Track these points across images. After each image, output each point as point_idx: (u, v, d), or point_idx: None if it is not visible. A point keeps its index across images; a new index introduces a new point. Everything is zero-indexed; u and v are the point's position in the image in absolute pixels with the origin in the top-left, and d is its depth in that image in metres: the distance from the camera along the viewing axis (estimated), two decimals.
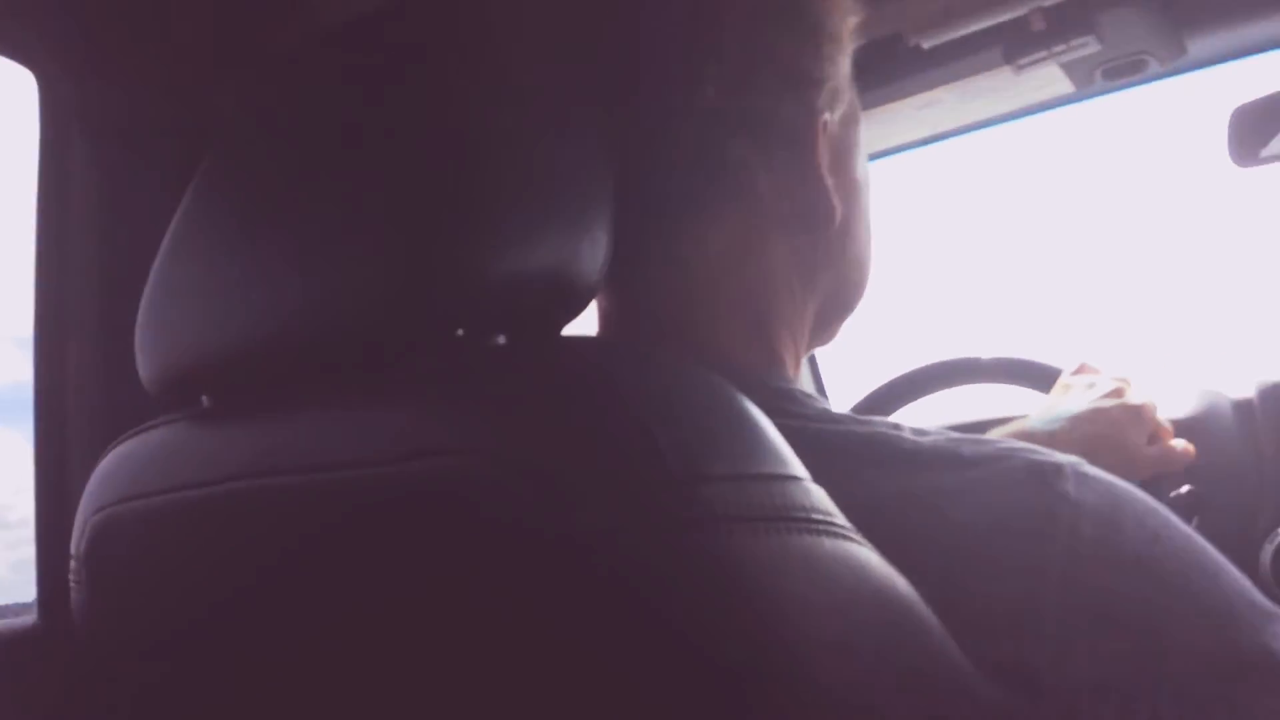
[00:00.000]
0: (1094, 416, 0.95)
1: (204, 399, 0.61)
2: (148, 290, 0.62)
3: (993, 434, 0.93)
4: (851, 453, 0.55)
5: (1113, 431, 0.94)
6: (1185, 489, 1.05)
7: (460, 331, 0.50)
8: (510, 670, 0.44)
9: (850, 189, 0.68)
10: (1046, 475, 0.53)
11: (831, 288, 0.69)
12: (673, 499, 0.40)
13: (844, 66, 0.67)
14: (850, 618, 0.43)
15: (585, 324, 0.59)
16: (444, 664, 0.47)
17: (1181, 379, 1.29)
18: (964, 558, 0.50)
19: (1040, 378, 1.11)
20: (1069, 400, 0.98)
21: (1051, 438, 0.95)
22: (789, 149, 0.63)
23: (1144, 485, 0.98)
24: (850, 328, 0.75)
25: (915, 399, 1.21)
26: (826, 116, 0.65)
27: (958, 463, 0.54)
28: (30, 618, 0.99)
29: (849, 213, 0.67)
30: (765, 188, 0.63)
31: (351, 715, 0.52)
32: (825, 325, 0.71)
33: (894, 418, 1.19)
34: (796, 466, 0.44)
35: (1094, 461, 0.92)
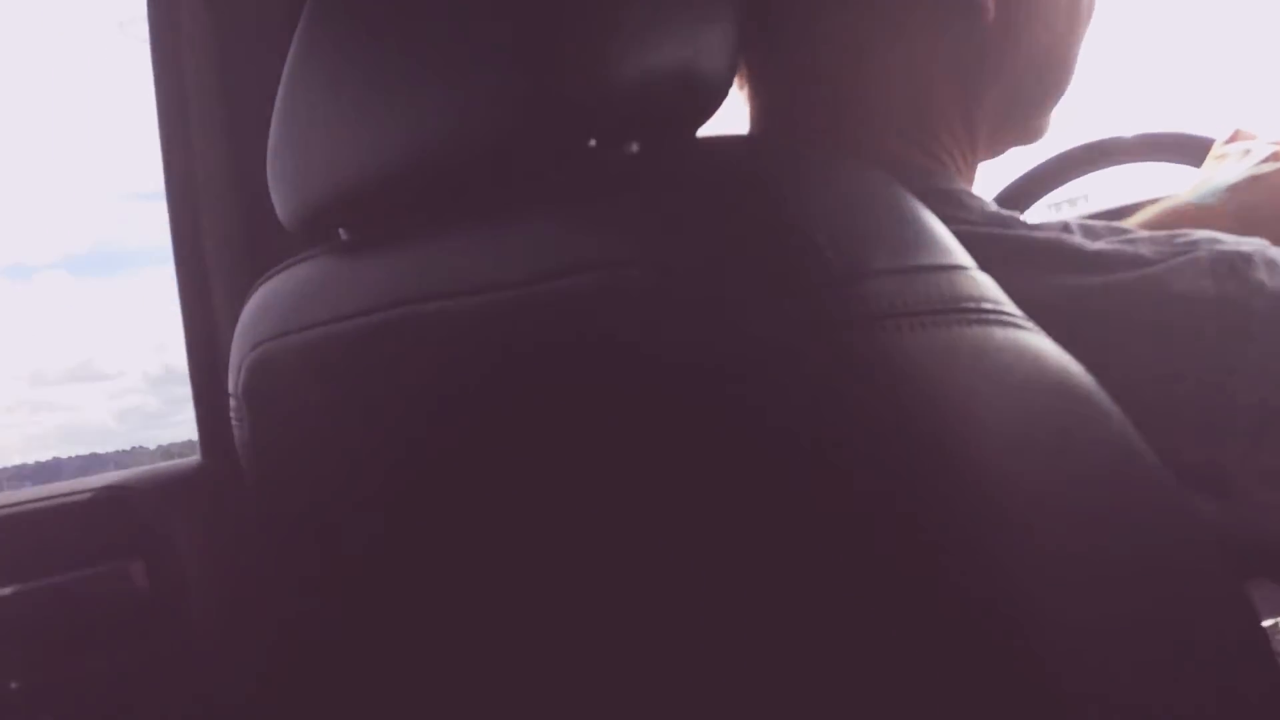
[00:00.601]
0: (1251, 185, 0.89)
1: (341, 232, 0.61)
2: (275, 124, 0.61)
3: (1144, 214, 0.89)
4: (1025, 258, 0.52)
5: (1274, 199, 0.89)
6: None
7: (593, 141, 0.48)
8: (679, 486, 0.43)
9: None
10: (1236, 265, 0.50)
11: (1008, 87, 0.62)
12: (836, 297, 0.39)
13: None
14: (1027, 407, 0.41)
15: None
16: (610, 487, 0.46)
17: None
18: (1152, 360, 0.49)
19: (1191, 150, 1.05)
20: (1223, 170, 0.93)
21: (1208, 212, 0.90)
22: None
23: None
24: (1062, 122, 0.68)
25: (1060, 184, 1.16)
26: None
27: (1140, 262, 0.51)
28: (195, 458, 1.03)
29: (1018, 3, 0.60)
30: None
31: (514, 545, 0.52)
32: (1009, 126, 0.65)
33: (1041, 205, 1.15)
34: (962, 255, 0.42)
35: (1256, 233, 0.87)
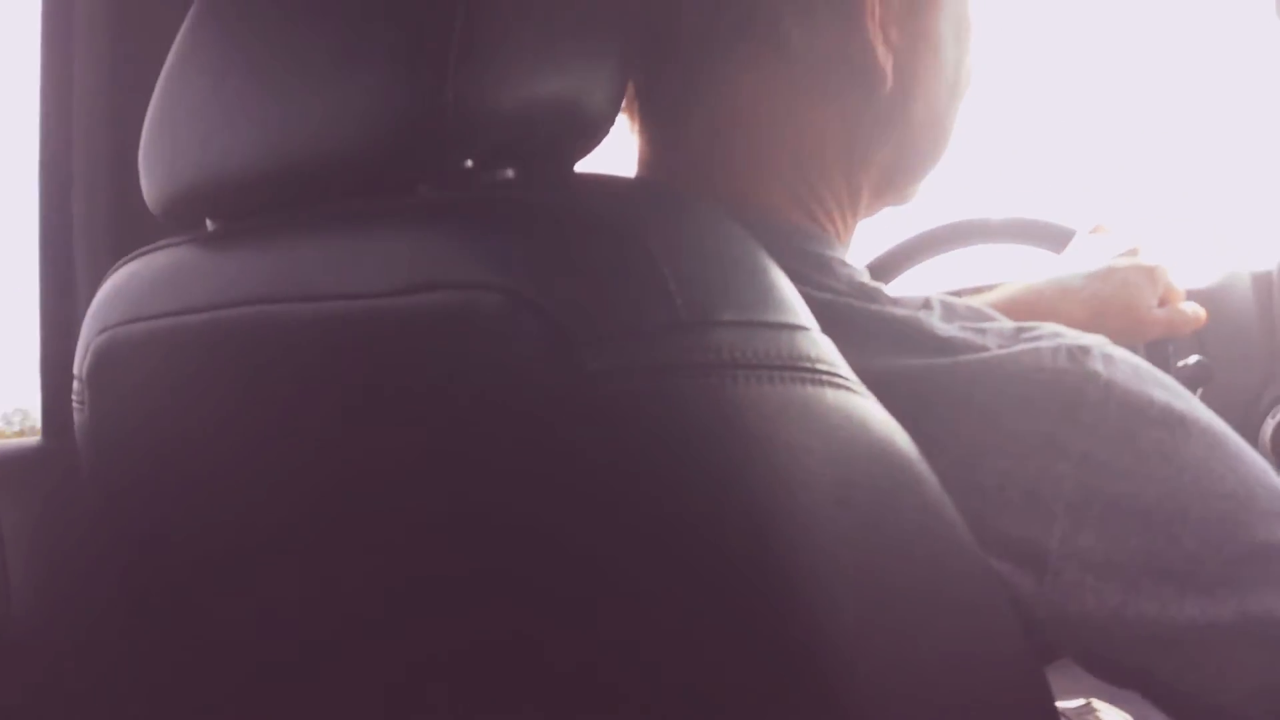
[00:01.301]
0: (1107, 275, 0.94)
1: (208, 223, 0.60)
2: (151, 110, 0.60)
3: (1003, 290, 0.93)
4: (879, 335, 0.54)
5: (1124, 292, 0.93)
6: (1194, 359, 1.04)
7: (469, 163, 0.49)
8: (507, 500, 0.44)
9: (923, 42, 0.62)
10: (1074, 354, 0.52)
11: (893, 153, 0.64)
12: (681, 342, 0.40)
13: None
14: (849, 469, 0.43)
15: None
16: (445, 498, 0.47)
17: (1202, 248, 1.28)
18: (986, 435, 0.50)
19: (1053, 238, 1.09)
20: (1081, 259, 0.98)
21: (1063, 295, 0.94)
22: (830, 1, 0.59)
23: (1149, 352, 0.99)
24: (932, 189, 0.70)
25: (924, 260, 1.20)
26: None
27: (985, 348, 0.53)
28: (36, 439, 1.00)
29: (915, 70, 0.62)
30: (799, 41, 0.59)
31: (348, 547, 0.52)
32: (889, 190, 0.67)
33: (900, 280, 1.18)
34: (805, 317, 0.44)
35: (1103, 322, 0.92)
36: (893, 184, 0.66)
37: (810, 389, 0.42)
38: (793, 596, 0.41)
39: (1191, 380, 1.03)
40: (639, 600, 0.42)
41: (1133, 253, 0.94)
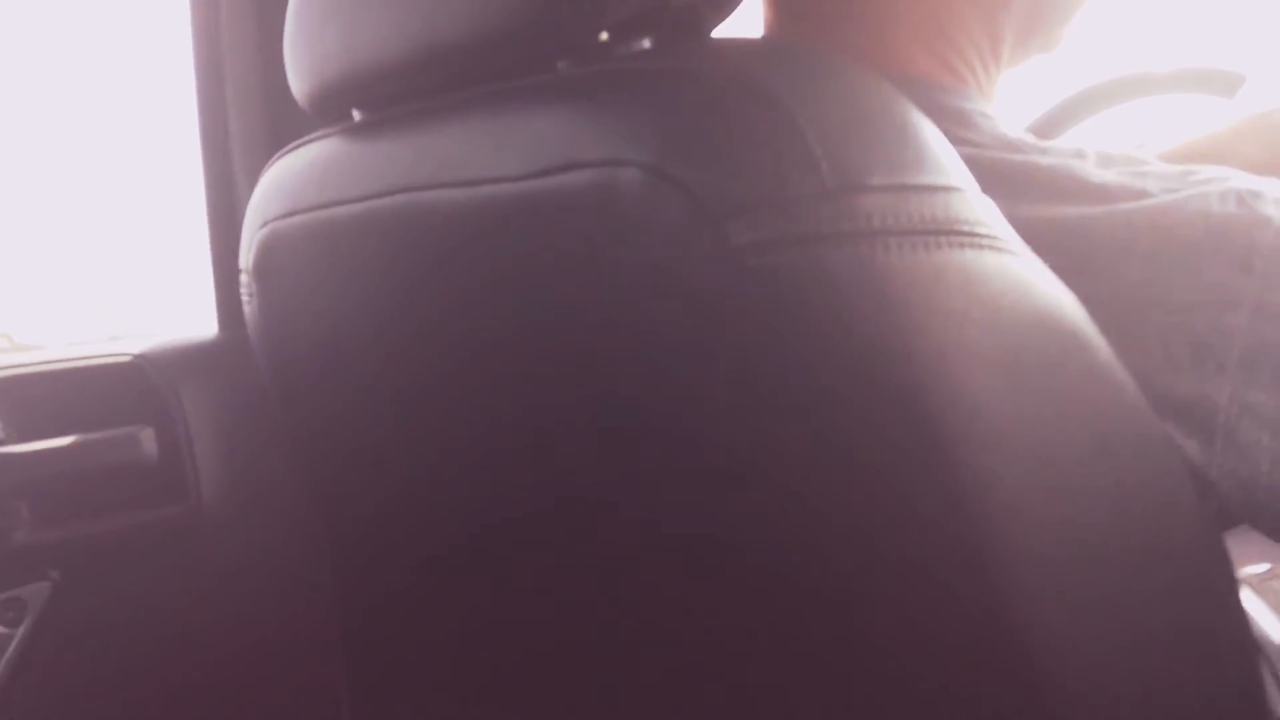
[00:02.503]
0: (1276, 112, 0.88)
1: (354, 113, 0.61)
2: (292, 5, 0.61)
3: (1173, 143, 0.88)
4: (1032, 184, 0.51)
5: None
6: None
7: (604, 35, 0.48)
8: (658, 381, 0.44)
9: None
10: (1244, 199, 0.48)
11: None
12: (828, 211, 0.38)
13: None
14: (1013, 337, 0.41)
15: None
16: (596, 378, 0.47)
17: None
18: (1150, 289, 0.48)
19: (1224, 84, 1.02)
20: (1257, 102, 0.91)
21: (1238, 135, 0.89)
22: None
23: None
24: (1081, 34, 0.65)
25: (1087, 117, 1.13)
26: None
27: (1146, 194, 0.50)
28: (213, 330, 1.05)
29: None
30: None
31: (506, 430, 0.53)
32: (1033, 35, 0.63)
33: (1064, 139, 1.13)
34: (960, 176, 0.42)
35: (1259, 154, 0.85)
36: (1036, 28, 0.62)
37: (969, 253, 0.40)
38: (957, 472, 0.39)
39: None
40: (793, 480, 0.41)
41: None
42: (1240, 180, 0.49)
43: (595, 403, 0.47)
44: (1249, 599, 0.89)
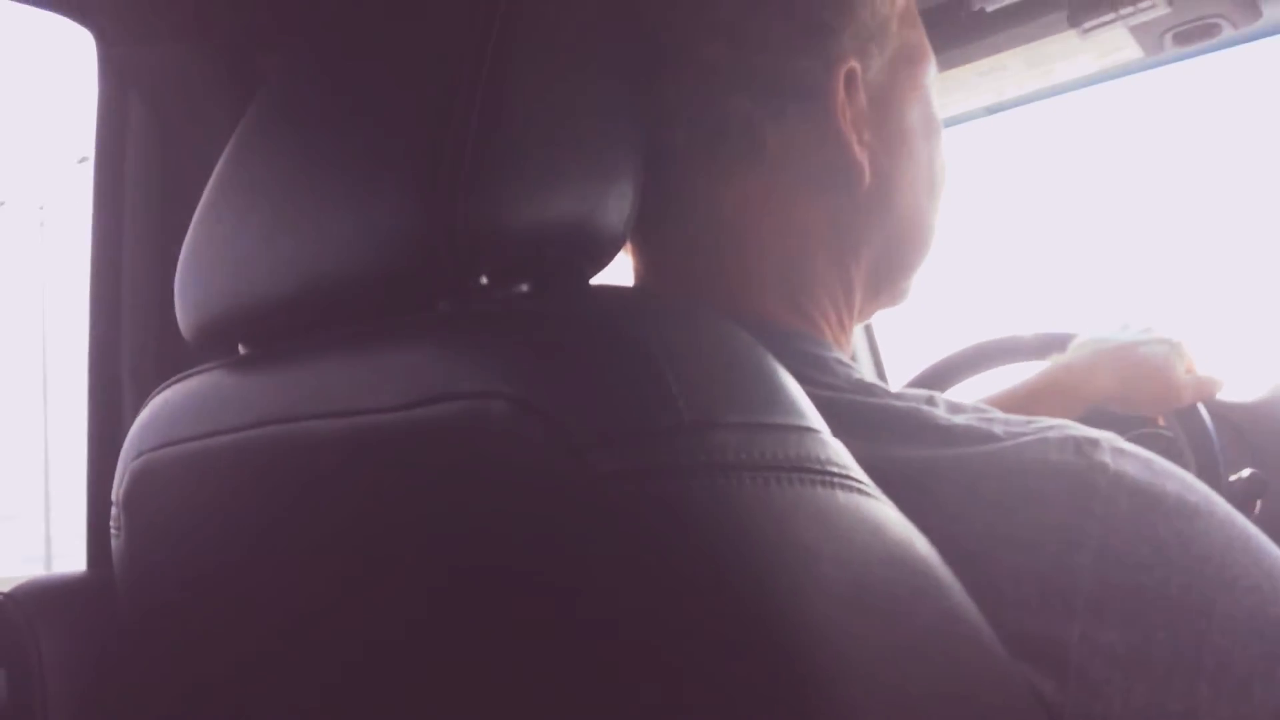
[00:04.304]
0: (1132, 347, 0.96)
1: (240, 348, 0.62)
2: (187, 242, 0.63)
3: (1027, 381, 0.94)
4: (885, 426, 0.53)
5: (1152, 361, 0.96)
6: (1247, 473, 1.02)
7: (484, 279, 0.50)
8: (520, 604, 0.44)
9: (896, 140, 0.63)
10: (1083, 447, 0.51)
11: (881, 249, 0.64)
12: (685, 444, 0.40)
13: (883, 6, 0.63)
14: (863, 574, 0.42)
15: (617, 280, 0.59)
16: (459, 599, 0.47)
17: (1249, 366, 1.27)
18: (996, 529, 0.49)
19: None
20: (1106, 340, 0.99)
21: (1092, 369, 0.95)
22: (802, 104, 0.60)
23: (1197, 458, 0.97)
24: (921, 287, 0.70)
25: (960, 381, 1.20)
26: (853, 65, 0.61)
27: (992, 438, 0.52)
28: (81, 569, 1.01)
29: (892, 166, 0.63)
30: (775, 146, 0.60)
31: (381, 654, 0.52)
32: (881, 288, 0.67)
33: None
34: (813, 418, 0.44)
35: (1136, 387, 0.93)
36: (884, 281, 0.67)
37: (821, 490, 0.42)
38: (808, 705, 0.39)
39: (1246, 493, 1.02)
40: (653, 707, 0.41)
41: (1148, 330, 0.96)
42: (1078, 430, 0.52)
43: (458, 619, 0.47)
44: None
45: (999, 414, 0.54)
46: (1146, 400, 0.95)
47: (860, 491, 0.43)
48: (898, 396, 0.55)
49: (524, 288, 0.51)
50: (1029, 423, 0.53)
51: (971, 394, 1.09)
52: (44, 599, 0.95)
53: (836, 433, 0.44)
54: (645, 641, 0.41)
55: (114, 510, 0.67)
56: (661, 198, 0.60)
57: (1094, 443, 0.51)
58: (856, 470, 0.44)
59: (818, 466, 0.42)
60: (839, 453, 0.43)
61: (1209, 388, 0.97)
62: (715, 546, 0.40)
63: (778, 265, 0.62)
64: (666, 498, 0.40)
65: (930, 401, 0.54)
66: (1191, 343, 0.96)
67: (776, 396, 0.43)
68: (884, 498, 0.44)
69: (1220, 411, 1.10)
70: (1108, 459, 0.50)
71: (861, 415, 0.54)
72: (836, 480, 0.42)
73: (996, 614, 0.47)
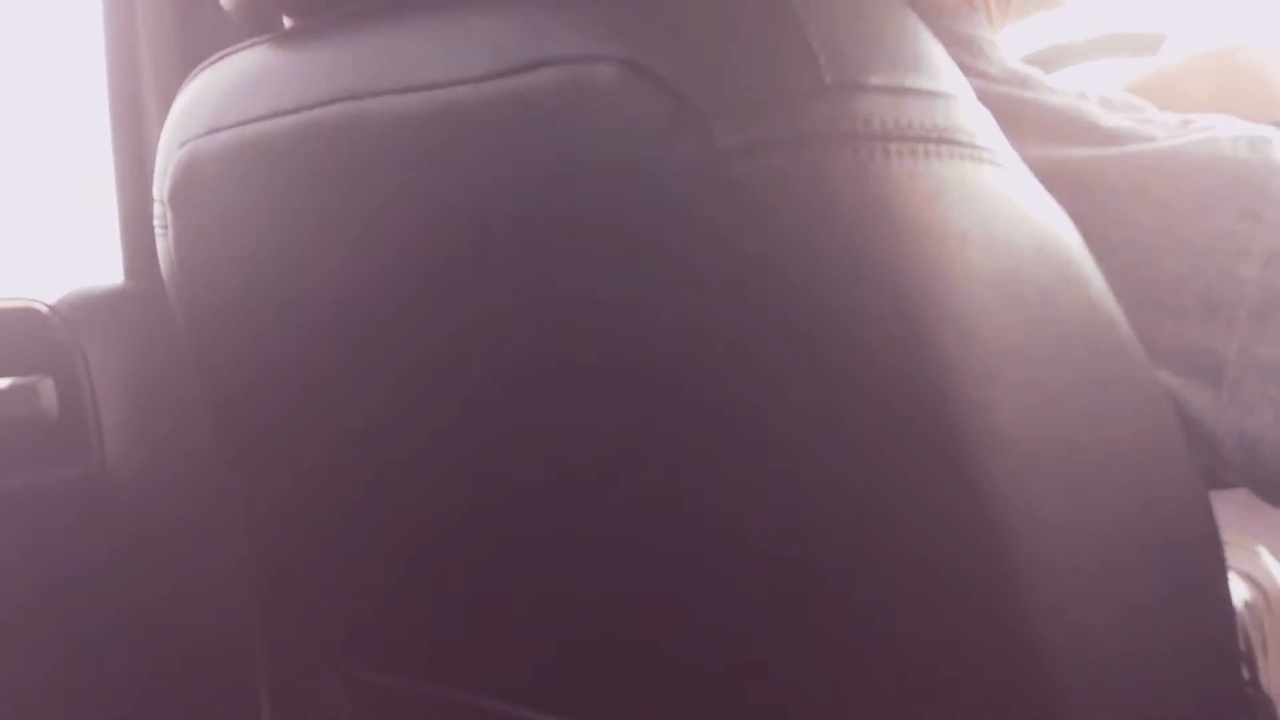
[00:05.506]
0: (1231, 53, 0.89)
1: (285, 20, 0.56)
2: None
3: (1125, 79, 0.88)
4: (1039, 123, 0.50)
5: (1251, 69, 0.88)
6: None
7: None
8: (635, 294, 0.40)
9: None
10: (1255, 145, 0.48)
11: None
12: (824, 110, 0.35)
13: None
14: (1012, 259, 0.38)
15: None
16: (570, 295, 0.43)
17: None
18: (1160, 232, 0.47)
19: (1144, 45, 1.05)
20: (1200, 44, 0.92)
21: (1187, 72, 0.90)
22: None
23: None
24: None
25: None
26: None
27: (1155, 139, 0.49)
28: (117, 279, 0.98)
29: None
30: None
31: (462, 360, 0.49)
32: None
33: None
34: (961, 85, 0.39)
35: (1233, 98, 0.87)
36: None
37: (969, 166, 0.38)
38: (947, 399, 0.37)
39: None
40: (779, 398, 0.38)
41: (1247, 36, 0.89)
42: (1248, 128, 0.49)
43: (570, 342, 0.43)
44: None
45: (1154, 113, 0.50)
46: (1245, 110, 0.90)
47: (1006, 168, 0.39)
48: (1053, 90, 0.51)
49: None
50: (1186, 123, 0.49)
51: None
52: (87, 309, 0.93)
53: None
54: (773, 332, 0.38)
55: (157, 207, 0.63)
56: None
57: (1267, 141, 0.48)
58: (1003, 145, 0.39)
59: (965, 138, 0.38)
60: (985, 124, 0.39)
61: None
62: (856, 226, 0.36)
63: None
64: (805, 171, 0.36)
65: (1083, 96, 0.50)
66: None
67: (922, 59, 0.38)
68: (1031, 177, 0.40)
69: None
70: None
71: (1016, 110, 0.49)
72: (984, 154, 0.38)
73: (1154, 325, 0.45)
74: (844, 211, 0.36)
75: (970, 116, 0.38)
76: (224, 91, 0.56)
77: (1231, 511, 0.55)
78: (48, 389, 0.90)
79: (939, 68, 0.38)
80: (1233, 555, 0.86)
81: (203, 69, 0.59)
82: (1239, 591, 0.61)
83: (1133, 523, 0.43)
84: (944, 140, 0.37)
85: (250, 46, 0.56)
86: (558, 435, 0.46)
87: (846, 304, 0.36)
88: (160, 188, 0.62)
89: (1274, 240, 0.46)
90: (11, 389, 0.89)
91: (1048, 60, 1.13)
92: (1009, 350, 0.38)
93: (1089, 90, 0.52)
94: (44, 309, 0.92)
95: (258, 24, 0.57)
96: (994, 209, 0.38)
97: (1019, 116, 0.49)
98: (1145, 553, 0.43)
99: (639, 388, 0.42)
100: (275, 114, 0.51)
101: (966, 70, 0.50)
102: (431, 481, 0.54)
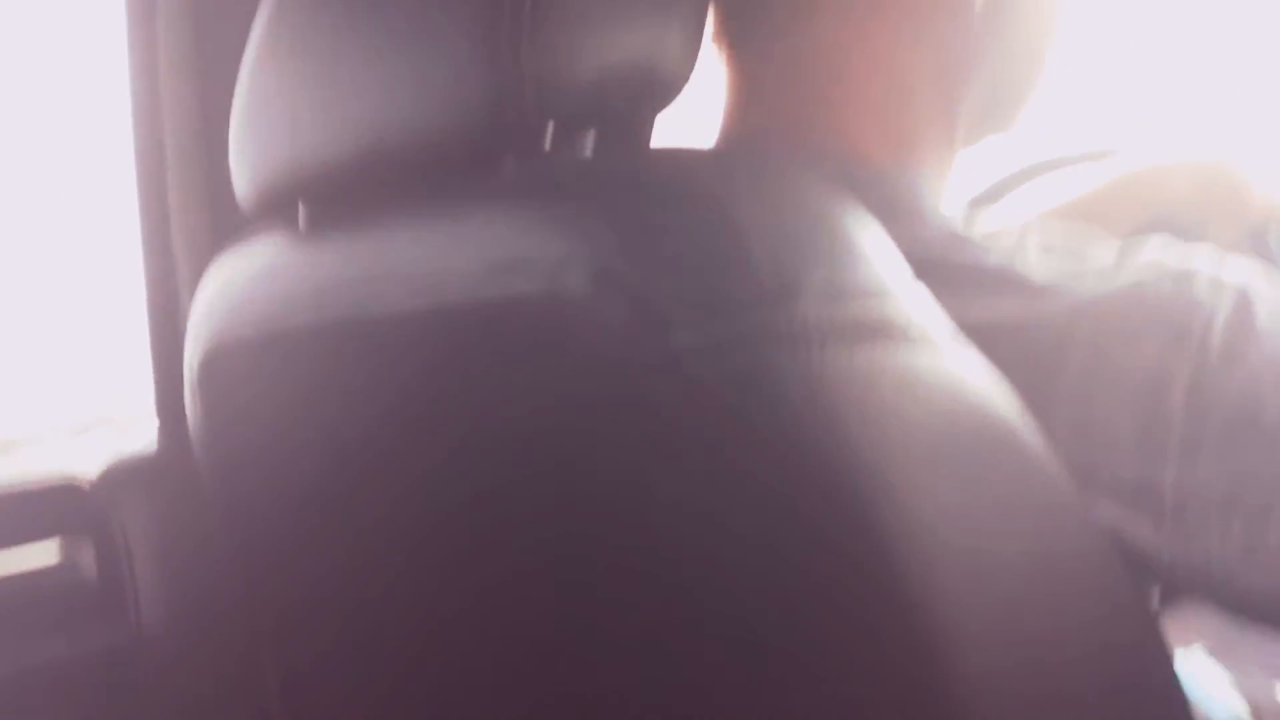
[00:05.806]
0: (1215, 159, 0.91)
1: (300, 208, 0.60)
2: (237, 101, 0.61)
3: (1105, 177, 0.90)
4: (976, 285, 0.52)
5: (1224, 168, 0.90)
6: None
7: (550, 124, 0.48)
8: (604, 481, 0.44)
9: None
10: (1180, 281, 0.50)
11: (990, 84, 0.62)
12: (763, 314, 0.39)
13: None
14: (946, 433, 0.41)
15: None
16: (547, 478, 0.47)
17: None
18: (1090, 374, 0.49)
19: None
20: (1122, 162, 0.95)
21: (1112, 196, 0.92)
22: None
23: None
24: (1039, 113, 0.67)
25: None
26: None
27: (1084, 287, 0.51)
28: (151, 445, 1.01)
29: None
30: None
31: (463, 535, 0.52)
32: (989, 120, 0.64)
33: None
34: (895, 279, 0.43)
35: (1209, 194, 0.87)
36: (991, 115, 0.64)
37: (903, 352, 0.41)
38: (892, 567, 0.39)
39: None
40: (737, 576, 0.41)
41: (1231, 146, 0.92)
42: (1174, 261, 0.51)
43: (548, 501, 0.47)
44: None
45: (1094, 250, 0.53)
46: (1219, 207, 0.91)
47: (941, 351, 0.42)
48: (989, 249, 0.54)
49: (589, 140, 0.50)
50: (1121, 260, 0.52)
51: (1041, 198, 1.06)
52: (124, 480, 0.97)
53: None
54: (728, 514, 0.41)
55: (188, 393, 0.67)
56: (760, 23, 0.58)
57: (1189, 276, 0.50)
58: (940, 328, 0.43)
59: (900, 328, 0.41)
60: (920, 312, 0.42)
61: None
62: (798, 417, 0.39)
63: (879, 96, 0.59)
64: (749, 370, 0.39)
65: (1022, 245, 0.53)
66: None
67: (858, 259, 0.42)
68: (966, 353, 0.43)
69: None
70: (1204, 295, 0.49)
71: (952, 275, 0.52)
72: (919, 339, 0.41)
73: (1091, 460, 0.46)
74: (785, 404, 0.39)
75: (905, 307, 0.42)
76: (247, 284, 0.61)
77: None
78: (87, 559, 0.93)
79: (874, 264, 0.42)
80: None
81: (225, 257, 0.64)
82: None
83: (1086, 673, 0.45)
84: (879, 333, 0.40)
85: (269, 238, 0.61)
86: (540, 608, 0.49)
87: (793, 485, 0.39)
88: (190, 371, 0.66)
89: (1195, 370, 0.48)
90: (53, 561, 0.92)
91: (1000, 190, 1.16)
92: (950, 518, 0.41)
93: (1029, 238, 0.54)
94: (78, 480, 0.96)
95: (275, 212, 0.61)
96: (930, 387, 0.41)
97: (955, 281, 0.51)
98: (1100, 699, 0.45)
99: (624, 569, 0.45)
100: (295, 312, 0.56)
101: (905, 238, 0.54)
102: (460, 648, 0.57)
